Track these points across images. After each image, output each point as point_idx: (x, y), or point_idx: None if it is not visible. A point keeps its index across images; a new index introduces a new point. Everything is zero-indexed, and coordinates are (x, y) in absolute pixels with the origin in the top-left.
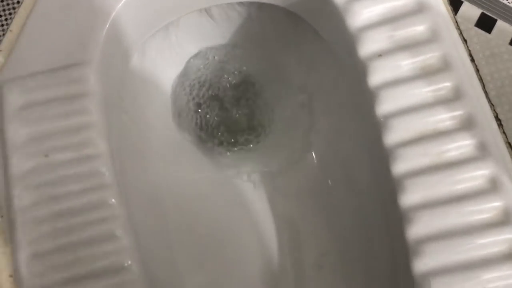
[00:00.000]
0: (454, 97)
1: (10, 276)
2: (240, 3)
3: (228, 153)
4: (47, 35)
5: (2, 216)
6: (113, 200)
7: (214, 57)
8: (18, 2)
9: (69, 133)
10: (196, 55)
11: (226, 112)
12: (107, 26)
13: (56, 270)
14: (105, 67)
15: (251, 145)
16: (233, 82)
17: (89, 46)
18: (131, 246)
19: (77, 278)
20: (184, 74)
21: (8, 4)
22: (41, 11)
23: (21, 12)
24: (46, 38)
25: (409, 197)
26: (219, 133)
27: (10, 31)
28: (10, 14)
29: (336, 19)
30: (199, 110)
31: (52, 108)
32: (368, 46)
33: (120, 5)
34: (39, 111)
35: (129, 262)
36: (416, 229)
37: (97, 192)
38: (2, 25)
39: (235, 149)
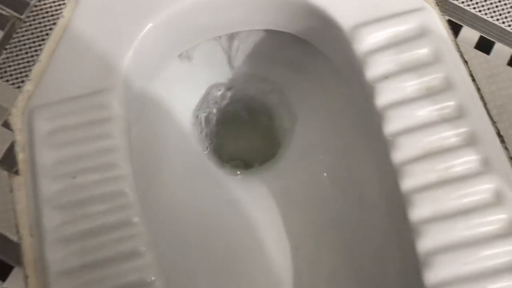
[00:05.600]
0: (458, 115)
1: None
2: (250, 31)
3: (243, 173)
4: (73, 64)
5: (32, 236)
6: (136, 218)
7: (228, 84)
8: (46, 35)
9: (94, 156)
10: (211, 82)
11: (241, 136)
12: (130, 54)
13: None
14: (126, 93)
15: (265, 166)
16: (245, 107)
17: (112, 73)
18: (154, 263)
19: None
20: (200, 100)
21: (38, 37)
22: (68, 42)
23: (49, 44)
24: (72, 67)
25: (418, 211)
26: (234, 155)
27: (39, 61)
28: (39, 45)
29: (344, 44)
30: (215, 134)
31: (78, 133)
32: (374, 69)
33: (141, 34)
34: (66, 135)
35: (153, 278)
36: (426, 242)
37: (121, 211)
38: (32, 56)
39: (250, 169)
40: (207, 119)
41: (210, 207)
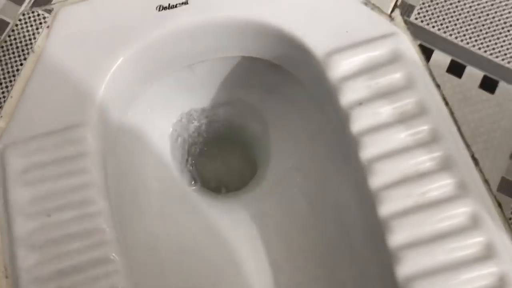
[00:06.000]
0: (432, 140)
1: None
2: (225, 58)
3: (222, 197)
4: (46, 99)
5: (7, 277)
6: (114, 255)
7: (204, 109)
8: (17, 70)
9: (69, 192)
10: (187, 108)
11: (219, 160)
12: (102, 88)
13: None
14: (101, 126)
15: (244, 190)
16: (223, 132)
17: (86, 108)
18: None
19: None
20: (177, 127)
21: (8, 72)
22: (39, 77)
23: (21, 79)
24: (45, 102)
25: (396, 237)
26: (212, 179)
27: (11, 97)
28: (10, 81)
29: (318, 71)
30: (193, 159)
31: (53, 169)
32: (348, 95)
33: (114, 67)
34: (40, 172)
35: None
36: (405, 268)
37: (99, 248)
38: (3, 92)
39: (228, 193)
40: (185, 145)
41: (189, 234)
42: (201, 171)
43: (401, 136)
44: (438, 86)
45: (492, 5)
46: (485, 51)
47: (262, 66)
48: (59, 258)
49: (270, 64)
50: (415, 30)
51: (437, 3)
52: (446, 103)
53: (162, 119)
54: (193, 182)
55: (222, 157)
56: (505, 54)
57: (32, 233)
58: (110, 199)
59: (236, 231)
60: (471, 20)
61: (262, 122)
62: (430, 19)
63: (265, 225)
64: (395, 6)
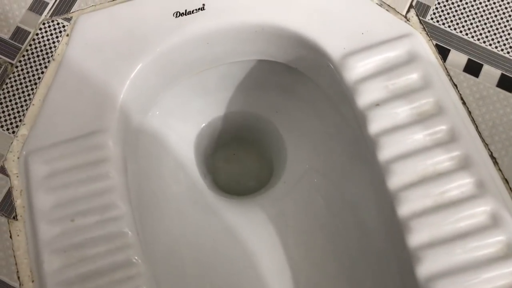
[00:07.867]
0: (450, 139)
1: None
2: (241, 61)
3: (241, 199)
4: (67, 106)
5: (33, 281)
6: (136, 258)
7: (220, 113)
8: (39, 78)
9: (92, 197)
10: (205, 111)
11: (238, 162)
12: (122, 94)
13: None
14: (121, 132)
15: (262, 191)
16: (241, 134)
17: (106, 114)
18: None
19: None
20: (196, 129)
21: (30, 80)
22: (60, 84)
23: (42, 86)
24: (66, 109)
25: (416, 237)
26: (231, 182)
27: (33, 105)
28: (32, 89)
29: (334, 73)
30: (212, 162)
31: (75, 175)
32: (365, 96)
33: (133, 74)
34: (63, 178)
35: None
36: (425, 268)
37: (121, 252)
38: (25, 100)
39: (247, 195)
40: (202, 148)
41: (209, 236)
42: (218, 173)
43: (419, 136)
44: (455, 85)
45: (508, 3)
46: (502, 50)
47: (278, 69)
48: (83, 262)
49: (286, 66)
50: (431, 30)
51: (453, 3)
52: (464, 103)
53: (180, 123)
54: (211, 185)
55: (239, 159)
56: None
57: (57, 238)
58: (132, 202)
59: (255, 232)
60: (487, 18)
61: (279, 123)
62: (446, 18)
63: (283, 226)
64: (410, 6)
